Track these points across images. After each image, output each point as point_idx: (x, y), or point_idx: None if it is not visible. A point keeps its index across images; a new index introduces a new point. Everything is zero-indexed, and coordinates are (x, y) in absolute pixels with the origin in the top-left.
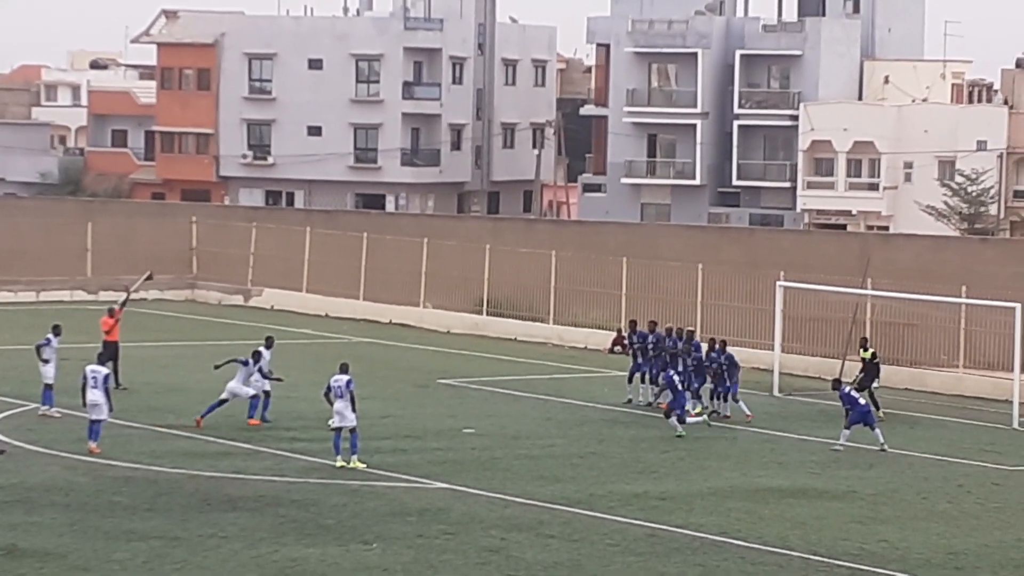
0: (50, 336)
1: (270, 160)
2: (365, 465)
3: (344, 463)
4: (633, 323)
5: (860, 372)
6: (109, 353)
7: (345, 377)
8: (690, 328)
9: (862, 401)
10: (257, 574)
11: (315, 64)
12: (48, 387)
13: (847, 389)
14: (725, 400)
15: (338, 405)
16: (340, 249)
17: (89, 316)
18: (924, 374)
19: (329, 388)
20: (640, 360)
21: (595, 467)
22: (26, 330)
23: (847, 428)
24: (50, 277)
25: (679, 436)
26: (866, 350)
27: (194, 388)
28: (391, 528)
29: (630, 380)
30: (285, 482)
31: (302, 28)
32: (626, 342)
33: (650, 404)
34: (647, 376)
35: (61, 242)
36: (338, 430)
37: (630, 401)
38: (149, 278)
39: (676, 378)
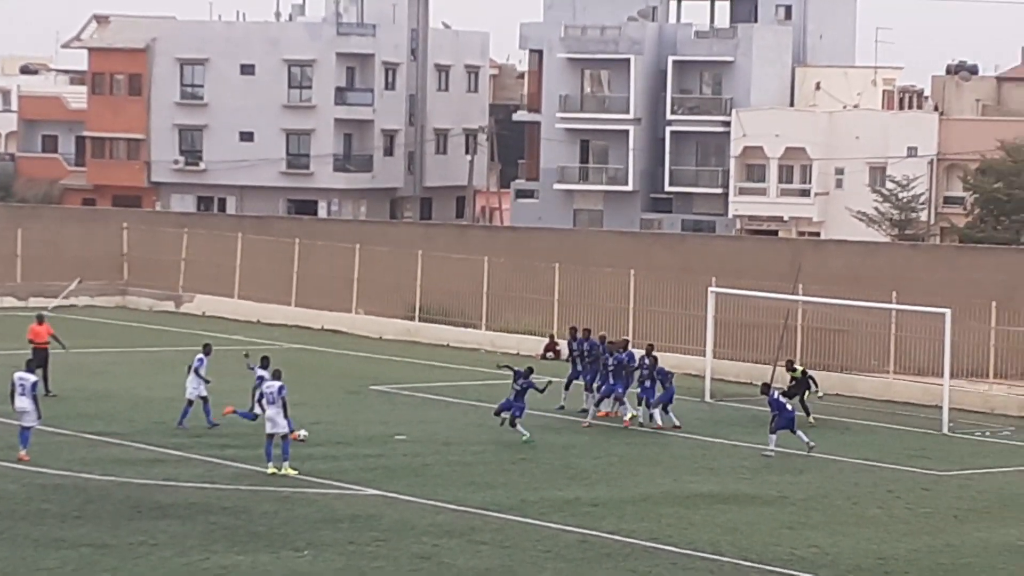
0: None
1: (202, 166)
2: (297, 472)
3: (276, 470)
4: (573, 330)
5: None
6: (38, 360)
7: (277, 383)
8: (624, 338)
9: (789, 407)
10: None
11: (247, 69)
12: None
13: (775, 394)
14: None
15: (270, 411)
16: (272, 255)
17: (19, 323)
18: (854, 379)
19: (261, 394)
20: (579, 367)
21: (527, 473)
22: None
23: (772, 433)
24: None
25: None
26: (794, 370)
27: (125, 395)
28: (322, 535)
29: (567, 387)
30: (216, 489)
31: (234, 33)
32: (558, 348)
33: (585, 411)
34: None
35: None
36: (270, 436)
37: (562, 408)
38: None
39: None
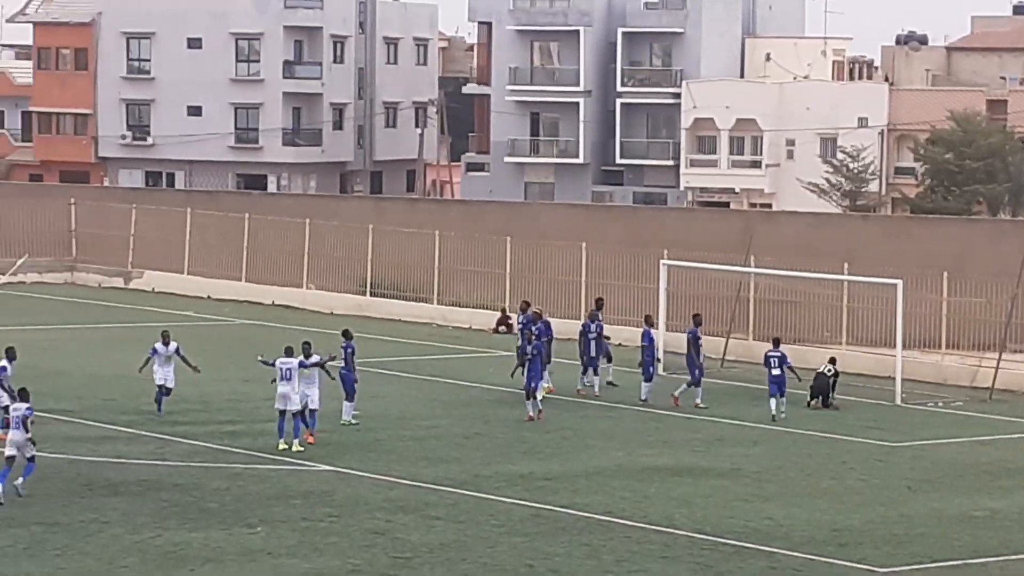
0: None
1: (150, 141)
2: (303, 449)
3: (287, 445)
4: (525, 304)
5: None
6: None
7: (294, 361)
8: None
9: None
10: (139, 559)
11: (194, 43)
12: None
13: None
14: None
15: (283, 388)
16: (221, 230)
17: None
18: (807, 351)
19: (273, 364)
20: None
21: (480, 448)
22: None
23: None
24: None
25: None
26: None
27: (75, 372)
28: (275, 511)
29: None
30: (167, 466)
31: (180, 6)
32: (510, 321)
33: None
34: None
35: None
36: (282, 413)
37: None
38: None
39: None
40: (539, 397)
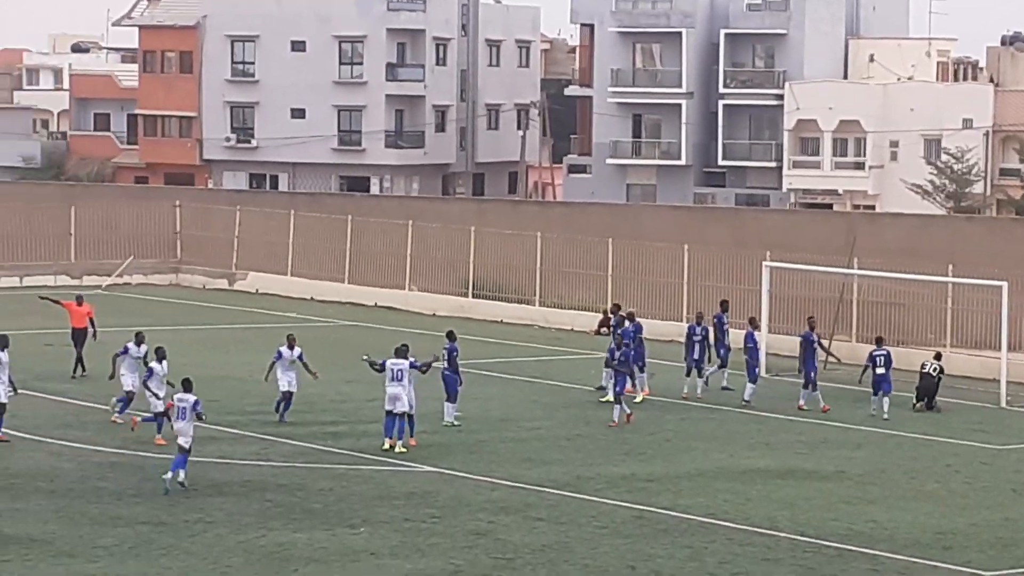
0: (129, 345)
1: (253, 143)
2: (406, 450)
3: (391, 446)
4: (616, 307)
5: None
6: (76, 340)
7: (405, 362)
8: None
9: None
10: (244, 559)
11: (298, 46)
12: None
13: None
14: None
15: (394, 389)
16: (325, 232)
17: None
18: (910, 353)
19: (383, 367)
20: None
21: (582, 449)
22: (11, 316)
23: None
24: (33, 262)
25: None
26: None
27: (178, 373)
28: (378, 512)
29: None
30: (271, 467)
31: (285, 10)
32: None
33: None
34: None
35: (44, 227)
36: (389, 413)
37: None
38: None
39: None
40: (625, 401)
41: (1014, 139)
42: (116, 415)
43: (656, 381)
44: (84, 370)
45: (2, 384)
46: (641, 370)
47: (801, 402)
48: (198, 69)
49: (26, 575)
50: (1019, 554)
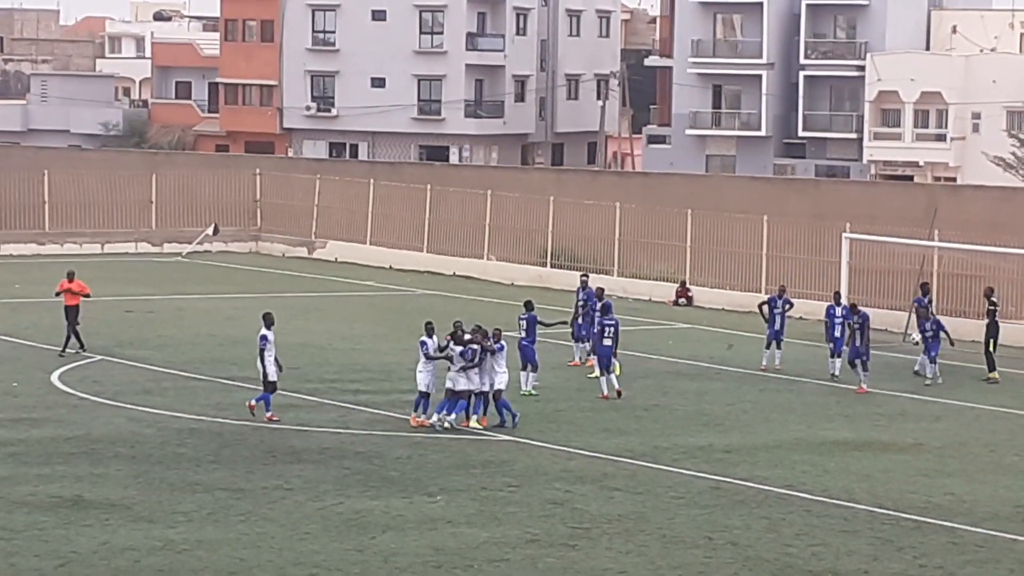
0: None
1: (334, 112)
2: (481, 425)
3: (468, 423)
4: (783, 288)
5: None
6: (69, 317)
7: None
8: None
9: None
10: (321, 526)
11: (378, 15)
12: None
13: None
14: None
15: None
16: (404, 201)
17: (155, 268)
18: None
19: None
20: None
21: (659, 420)
22: (91, 282)
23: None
24: (115, 229)
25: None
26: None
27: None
28: (455, 480)
29: (767, 346)
30: (349, 434)
31: None
32: (690, 294)
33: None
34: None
35: (125, 194)
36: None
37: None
38: (215, 231)
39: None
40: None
41: None
42: (269, 412)
43: (734, 353)
44: (83, 346)
45: (271, 362)
46: (778, 345)
47: (927, 373)
48: (279, 38)
49: (106, 540)
50: None
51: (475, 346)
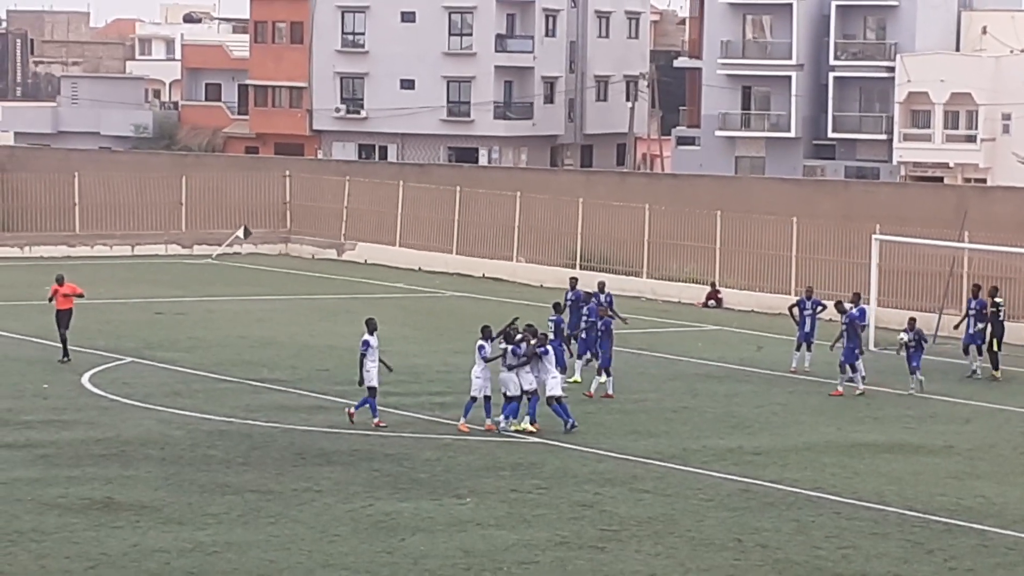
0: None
1: (363, 114)
2: (535, 429)
3: (518, 426)
4: (809, 289)
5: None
6: (61, 321)
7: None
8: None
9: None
10: (351, 527)
11: (408, 17)
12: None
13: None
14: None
15: (504, 373)
16: (433, 203)
17: (184, 270)
18: (1022, 328)
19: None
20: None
21: (688, 422)
22: (121, 284)
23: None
24: (145, 231)
25: None
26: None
27: (287, 342)
28: (484, 482)
29: (797, 348)
30: (379, 436)
31: None
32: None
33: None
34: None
35: (155, 196)
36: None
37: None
38: (246, 234)
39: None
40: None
41: None
42: (376, 418)
43: (764, 355)
44: (66, 353)
45: (374, 367)
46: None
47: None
48: (308, 39)
49: (136, 542)
50: None
51: (524, 344)
